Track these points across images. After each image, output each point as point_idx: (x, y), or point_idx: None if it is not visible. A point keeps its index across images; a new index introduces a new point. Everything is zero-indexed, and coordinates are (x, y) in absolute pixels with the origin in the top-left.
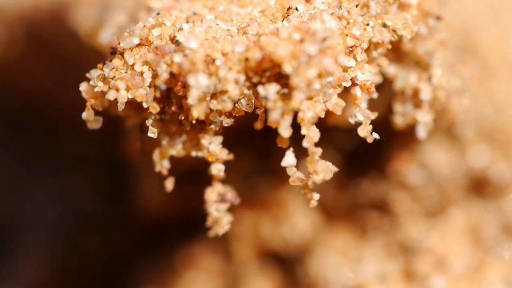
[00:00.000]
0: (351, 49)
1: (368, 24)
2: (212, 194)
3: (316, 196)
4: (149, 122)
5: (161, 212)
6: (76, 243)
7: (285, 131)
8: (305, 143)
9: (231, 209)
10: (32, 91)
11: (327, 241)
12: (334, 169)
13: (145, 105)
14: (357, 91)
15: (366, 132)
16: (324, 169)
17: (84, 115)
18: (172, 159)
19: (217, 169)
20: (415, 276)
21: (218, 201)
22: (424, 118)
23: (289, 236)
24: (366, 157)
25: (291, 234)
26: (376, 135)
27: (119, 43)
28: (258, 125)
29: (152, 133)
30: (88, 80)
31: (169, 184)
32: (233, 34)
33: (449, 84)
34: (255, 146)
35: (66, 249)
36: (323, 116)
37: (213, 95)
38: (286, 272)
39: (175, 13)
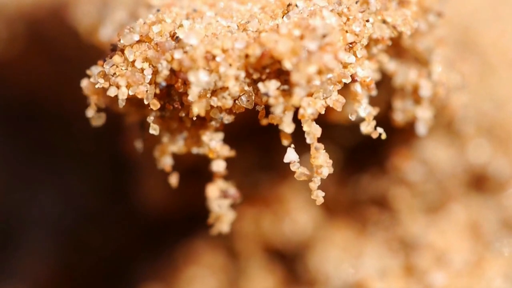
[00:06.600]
0: (351, 45)
1: (368, 21)
2: (213, 190)
3: (322, 193)
4: (150, 119)
5: (163, 208)
6: (78, 240)
7: (288, 128)
8: (308, 139)
9: (232, 205)
10: (32, 88)
11: (327, 237)
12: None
13: (145, 102)
14: (357, 87)
15: (370, 128)
16: (329, 162)
17: (89, 112)
18: (173, 156)
19: (218, 166)
20: (415, 272)
21: (220, 198)
22: (424, 115)
23: (290, 232)
24: (366, 154)
25: (291, 230)
26: (381, 130)
27: (119, 40)
28: (264, 121)
29: (154, 130)
30: (88, 76)
31: (174, 180)
32: (233, 31)
33: (449, 80)
34: (256, 143)
35: (68, 245)
36: (323, 112)
37: (214, 92)
38: (287, 268)
39: (175, 10)
